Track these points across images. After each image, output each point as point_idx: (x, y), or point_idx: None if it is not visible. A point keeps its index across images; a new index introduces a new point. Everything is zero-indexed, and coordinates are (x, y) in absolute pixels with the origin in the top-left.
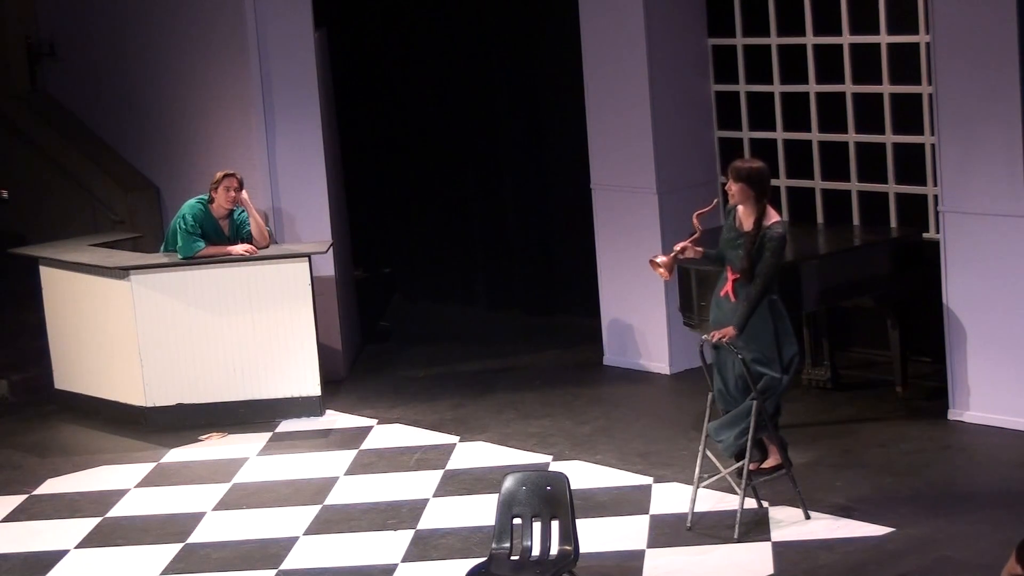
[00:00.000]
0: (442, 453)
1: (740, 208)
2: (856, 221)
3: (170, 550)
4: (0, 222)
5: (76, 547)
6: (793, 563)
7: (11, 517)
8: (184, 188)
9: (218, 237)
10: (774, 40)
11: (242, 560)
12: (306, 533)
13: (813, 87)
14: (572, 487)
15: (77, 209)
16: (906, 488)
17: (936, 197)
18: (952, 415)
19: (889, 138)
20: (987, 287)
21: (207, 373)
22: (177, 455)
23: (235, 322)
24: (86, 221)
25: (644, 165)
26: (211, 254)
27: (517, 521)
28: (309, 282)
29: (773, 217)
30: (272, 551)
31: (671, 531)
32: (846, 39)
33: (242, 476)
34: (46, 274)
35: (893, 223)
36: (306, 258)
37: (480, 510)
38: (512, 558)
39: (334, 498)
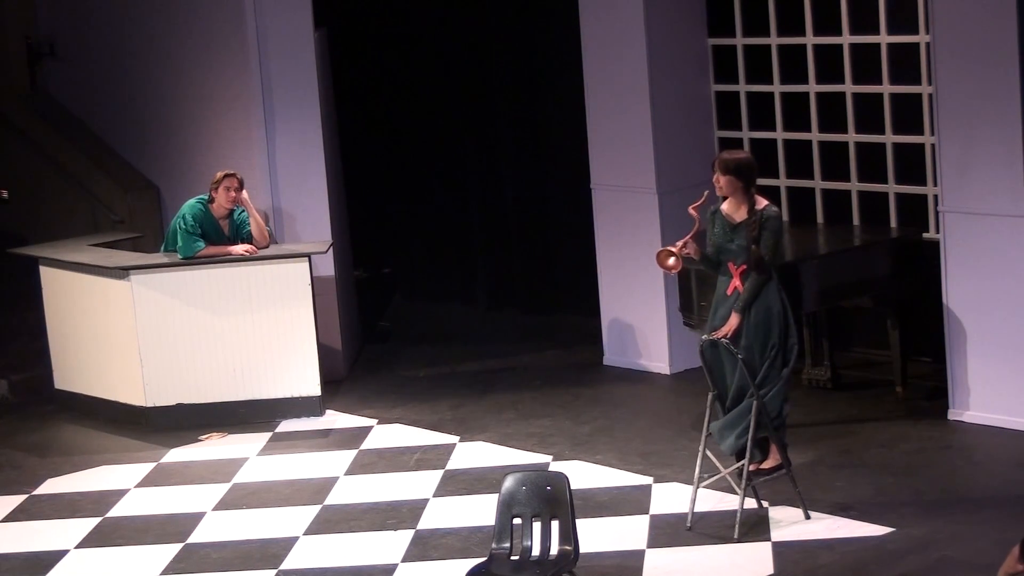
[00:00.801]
0: (442, 453)
1: (725, 204)
2: (856, 221)
3: (170, 550)
4: (0, 222)
5: (76, 547)
6: (793, 563)
7: (11, 517)
8: (184, 188)
9: (218, 237)
10: (774, 40)
11: (242, 560)
12: (306, 533)
13: (813, 87)
14: (572, 487)
15: (77, 209)
16: (906, 488)
17: (936, 197)
18: (952, 415)
19: (889, 138)
20: (987, 287)
21: (207, 373)
22: (177, 455)
23: (235, 322)
24: (86, 221)
25: (644, 165)
26: (211, 254)
27: (517, 521)
28: (309, 282)
29: (763, 202)
30: (272, 551)
31: (671, 531)
32: (846, 39)
33: (242, 476)
34: (46, 274)
35: (893, 223)
36: (306, 258)
37: (480, 510)
38: (512, 558)
39: (334, 498)
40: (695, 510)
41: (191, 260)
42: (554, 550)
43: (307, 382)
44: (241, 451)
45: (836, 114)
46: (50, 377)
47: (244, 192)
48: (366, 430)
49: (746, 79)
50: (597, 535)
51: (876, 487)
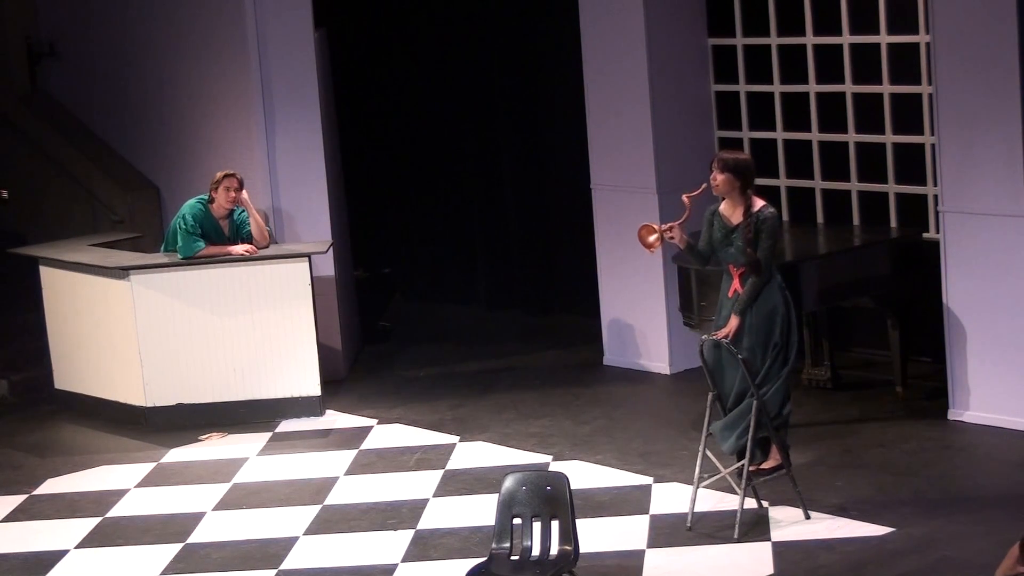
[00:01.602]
0: (442, 453)
1: (723, 205)
2: (856, 221)
3: (170, 550)
4: (0, 222)
5: (76, 547)
6: (793, 563)
7: (11, 517)
8: (184, 188)
9: (218, 237)
10: (774, 40)
11: (242, 560)
12: (306, 533)
13: (813, 87)
14: (572, 487)
15: (77, 209)
16: (906, 488)
17: (936, 197)
18: (952, 415)
19: (889, 138)
20: (987, 287)
21: (207, 373)
22: (177, 455)
23: (235, 322)
24: (86, 221)
25: (644, 165)
26: (211, 254)
27: (517, 521)
28: (309, 282)
29: (759, 203)
30: (272, 551)
31: (671, 531)
32: (846, 39)
33: (242, 476)
34: (46, 274)
35: (893, 223)
36: (306, 258)
37: (480, 510)
38: (512, 558)
39: (334, 498)
40: (695, 510)
41: (191, 260)
42: (554, 550)
43: (307, 382)
44: (241, 451)
45: (836, 114)
46: (50, 377)
47: (244, 192)
48: (366, 430)
49: (746, 79)
50: (597, 535)
51: (876, 487)
